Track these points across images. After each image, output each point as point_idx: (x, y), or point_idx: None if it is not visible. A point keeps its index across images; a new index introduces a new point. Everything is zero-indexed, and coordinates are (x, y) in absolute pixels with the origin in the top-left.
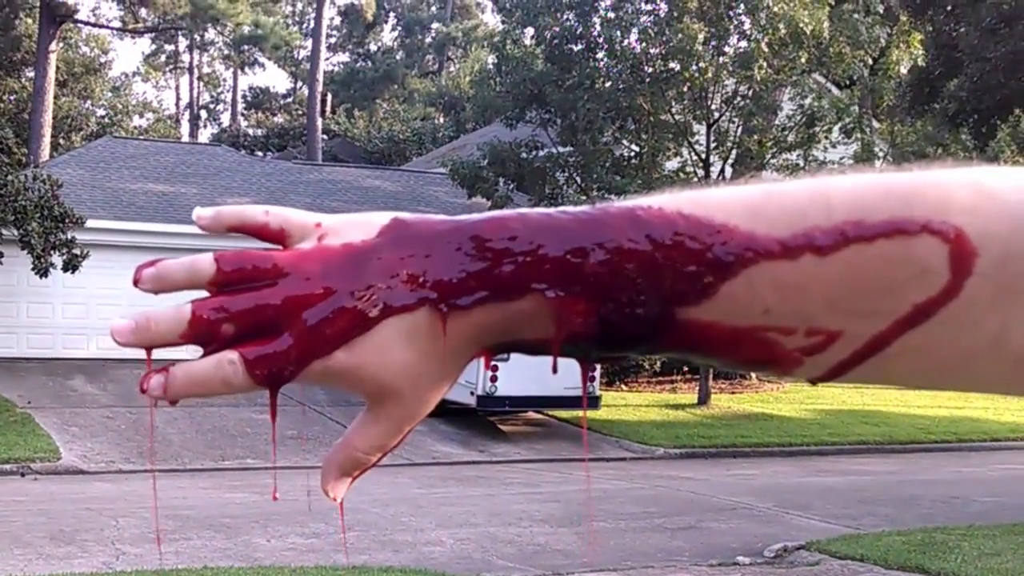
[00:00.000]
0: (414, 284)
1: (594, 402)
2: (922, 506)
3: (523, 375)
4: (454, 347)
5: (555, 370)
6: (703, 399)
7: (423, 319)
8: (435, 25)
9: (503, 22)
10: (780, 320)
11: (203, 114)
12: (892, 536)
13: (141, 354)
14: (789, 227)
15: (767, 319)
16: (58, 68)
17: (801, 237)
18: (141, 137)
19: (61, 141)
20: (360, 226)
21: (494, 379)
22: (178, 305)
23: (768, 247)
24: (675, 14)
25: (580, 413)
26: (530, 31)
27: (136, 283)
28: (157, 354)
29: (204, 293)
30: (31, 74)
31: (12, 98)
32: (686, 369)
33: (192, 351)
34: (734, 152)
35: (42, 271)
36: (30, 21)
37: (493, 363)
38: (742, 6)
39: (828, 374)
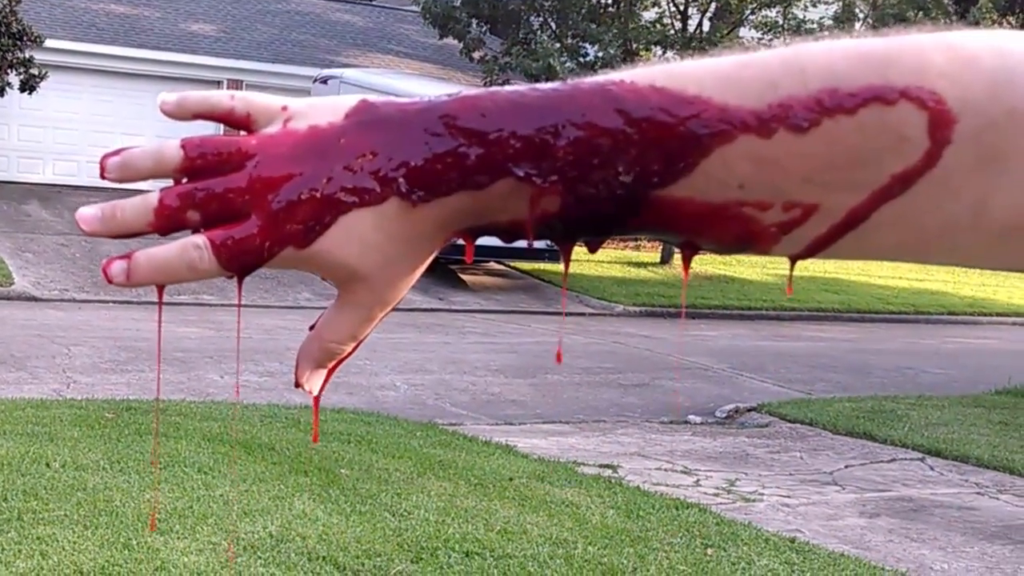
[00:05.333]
0: (382, 167)
1: (554, 255)
2: (875, 375)
3: None
4: (424, 231)
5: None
6: (665, 258)
7: (392, 204)
8: None
9: None
10: (756, 195)
11: None
12: (843, 402)
13: (99, 182)
14: (763, 98)
15: (742, 194)
16: None
17: (776, 108)
18: None
19: None
20: (327, 109)
21: None
22: (145, 194)
23: (743, 119)
24: None
25: (541, 265)
26: None
27: (102, 173)
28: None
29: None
30: None
31: None
32: None
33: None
34: (713, 5)
35: None
36: None
37: None
38: None
39: (807, 250)
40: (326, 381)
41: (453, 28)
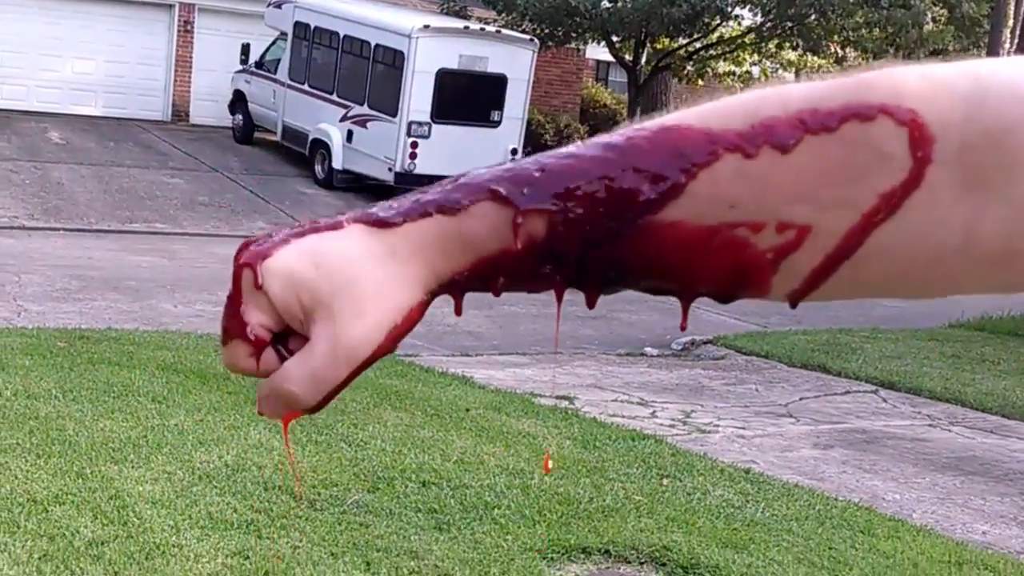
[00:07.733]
0: (352, 214)
1: None
2: (830, 308)
3: (443, 152)
4: (394, 250)
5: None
6: None
7: (356, 228)
8: None
9: None
10: (747, 215)
11: None
12: (798, 335)
13: (48, 107)
14: (745, 122)
15: (734, 214)
16: None
17: (759, 127)
18: None
19: None
20: None
21: (413, 156)
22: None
23: (727, 139)
24: None
25: None
26: None
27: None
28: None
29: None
30: None
31: None
32: None
33: None
34: None
35: None
36: None
37: (412, 139)
38: None
39: (805, 285)
40: (286, 425)
41: None
